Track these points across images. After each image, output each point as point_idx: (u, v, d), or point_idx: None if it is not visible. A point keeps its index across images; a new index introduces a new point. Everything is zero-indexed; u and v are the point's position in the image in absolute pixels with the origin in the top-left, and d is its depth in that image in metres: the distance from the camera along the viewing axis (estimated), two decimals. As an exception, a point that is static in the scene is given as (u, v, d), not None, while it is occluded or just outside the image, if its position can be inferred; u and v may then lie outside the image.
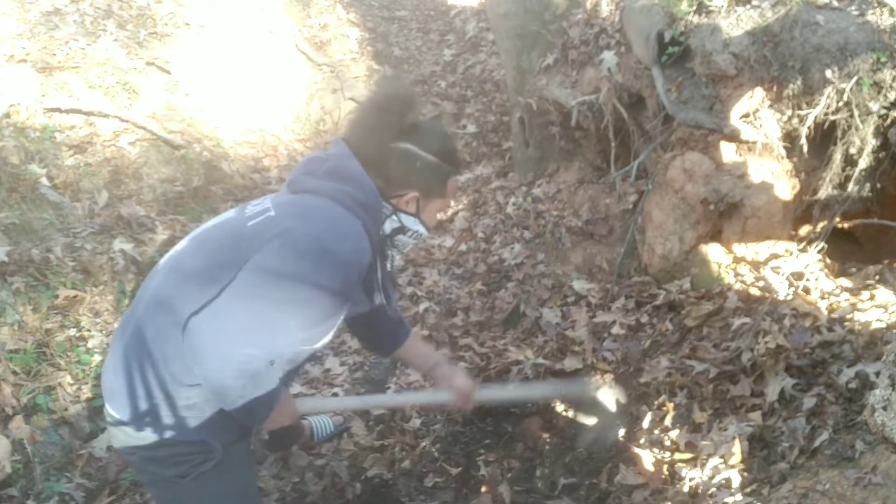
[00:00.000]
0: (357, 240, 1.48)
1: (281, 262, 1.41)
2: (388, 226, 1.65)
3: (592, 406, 2.18)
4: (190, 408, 1.48)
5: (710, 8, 2.91)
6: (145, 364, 1.46)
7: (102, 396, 1.56)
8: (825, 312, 2.46)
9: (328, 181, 1.53)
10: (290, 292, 1.41)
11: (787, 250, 2.91)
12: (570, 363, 2.93)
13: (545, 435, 2.66)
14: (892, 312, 2.36)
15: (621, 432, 2.31)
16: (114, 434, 1.56)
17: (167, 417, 1.48)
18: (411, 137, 1.58)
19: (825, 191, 2.77)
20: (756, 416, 2.23)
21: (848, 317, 2.42)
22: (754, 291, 2.78)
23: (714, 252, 3.04)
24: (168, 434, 1.48)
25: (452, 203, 4.16)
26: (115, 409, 1.51)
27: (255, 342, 1.36)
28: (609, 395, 2.17)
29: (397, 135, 1.57)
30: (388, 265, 1.74)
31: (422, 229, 1.68)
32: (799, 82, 2.62)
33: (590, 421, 2.17)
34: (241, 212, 1.57)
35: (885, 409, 1.79)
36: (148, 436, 1.48)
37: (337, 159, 1.57)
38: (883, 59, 2.43)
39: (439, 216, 1.73)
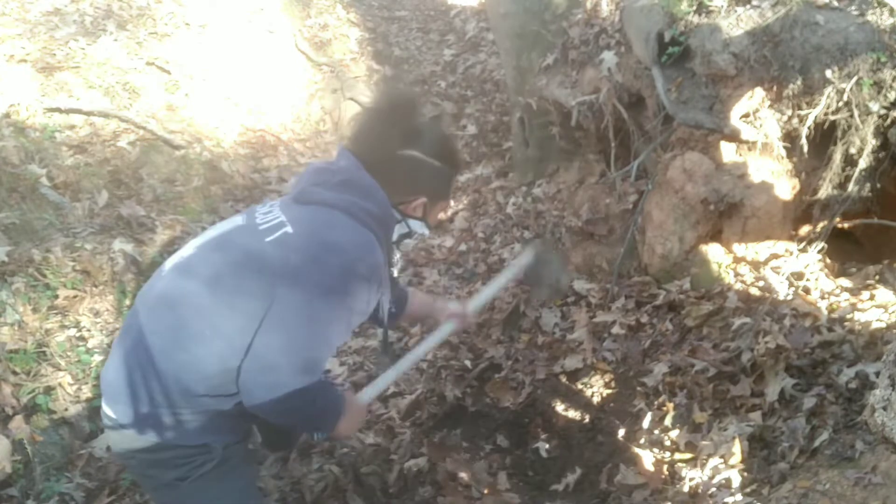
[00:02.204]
0: (373, 255, 1.51)
1: (311, 296, 1.43)
2: (397, 232, 1.67)
3: (539, 264, 2.15)
4: (194, 413, 1.48)
5: (710, 8, 2.91)
6: (148, 369, 1.45)
7: (102, 399, 1.55)
8: (825, 312, 2.46)
9: (342, 193, 1.52)
10: (325, 322, 1.45)
11: (787, 250, 2.91)
12: (571, 363, 2.93)
13: (545, 435, 2.67)
14: (892, 312, 2.36)
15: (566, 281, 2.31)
16: (112, 438, 1.56)
17: (169, 421, 1.47)
18: (416, 144, 1.58)
19: (825, 191, 2.77)
20: (756, 416, 2.23)
21: (848, 317, 2.42)
22: (754, 291, 2.78)
23: (714, 252, 3.04)
24: (170, 437, 1.48)
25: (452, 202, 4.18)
26: (115, 412, 1.50)
27: (301, 371, 1.42)
28: (540, 248, 2.17)
29: (402, 140, 1.57)
30: (393, 268, 1.76)
31: (426, 231, 1.72)
32: (799, 82, 2.62)
33: (540, 276, 2.16)
34: (252, 219, 1.54)
35: (885, 409, 1.79)
36: (149, 439, 1.48)
37: (348, 171, 1.56)
38: (883, 59, 2.43)
39: (441, 215, 1.80)
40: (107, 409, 1.52)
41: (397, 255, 1.80)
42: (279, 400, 1.40)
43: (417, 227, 1.69)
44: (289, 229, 1.48)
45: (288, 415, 1.50)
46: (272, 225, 1.50)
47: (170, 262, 1.57)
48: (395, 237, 1.67)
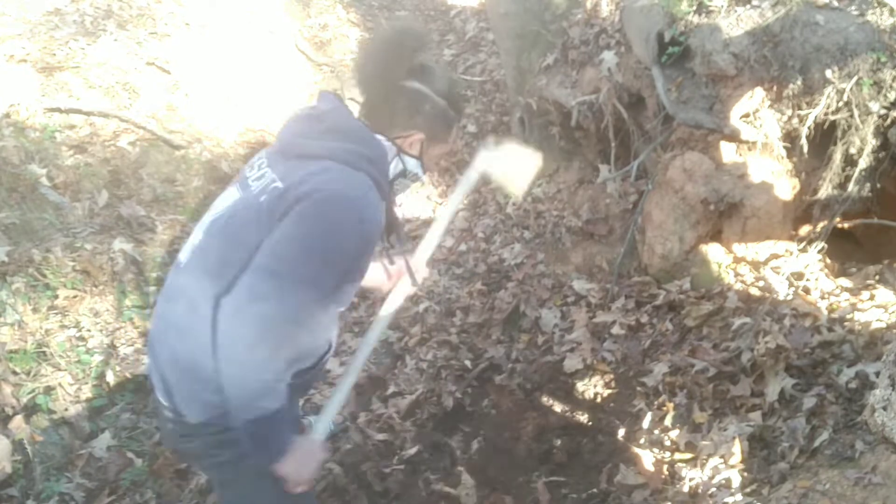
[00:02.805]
0: (368, 199, 1.43)
1: (298, 228, 1.37)
2: (392, 169, 1.58)
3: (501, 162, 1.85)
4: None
5: (710, 8, 2.91)
6: (197, 356, 1.41)
7: (156, 393, 1.53)
8: (825, 312, 2.46)
9: (329, 141, 1.46)
10: (313, 257, 1.36)
11: (787, 250, 2.91)
12: (571, 363, 2.93)
13: (543, 435, 2.67)
14: (892, 312, 2.36)
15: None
16: (170, 428, 1.53)
17: (228, 402, 1.42)
18: (422, 77, 1.52)
19: (825, 191, 2.77)
20: (756, 416, 2.23)
21: (848, 317, 2.42)
22: (754, 291, 2.78)
23: (714, 252, 3.04)
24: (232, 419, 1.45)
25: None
26: (171, 402, 1.48)
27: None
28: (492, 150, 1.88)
29: (407, 73, 1.51)
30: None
31: (420, 172, 1.64)
32: (799, 82, 2.62)
33: (511, 171, 1.84)
34: (246, 188, 1.50)
35: (885, 409, 1.79)
36: (213, 421, 1.45)
37: (333, 116, 1.50)
38: (883, 59, 2.42)
39: (440, 163, 1.72)
40: (162, 399, 1.51)
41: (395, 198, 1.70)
42: (258, 353, 1.32)
43: (412, 165, 1.60)
44: (279, 184, 1.42)
45: (265, 376, 1.36)
46: (263, 184, 1.46)
47: (185, 253, 1.55)
48: (391, 175, 1.58)
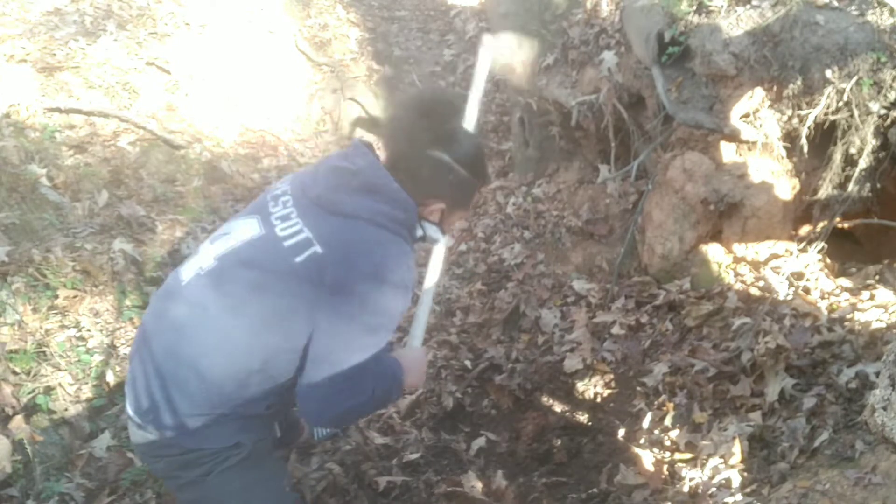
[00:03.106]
0: (408, 263, 1.49)
1: (358, 312, 1.43)
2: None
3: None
4: (228, 418, 1.50)
5: (710, 8, 2.91)
6: (183, 380, 1.46)
7: (129, 410, 1.55)
8: (825, 312, 2.46)
9: (366, 199, 1.45)
10: (370, 348, 1.46)
11: (787, 250, 2.91)
12: (571, 363, 2.93)
13: (543, 435, 2.67)
14: (892, 312, 2.36)
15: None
16: (140, 442, 1.55)
17: (205, 429, 1.48)
18: (448, 147, 1.49)
19: (825, 191, 2.77)
20: (756, 416, 2.23)
21: (848, 317, 2.42)
22: (754, 291, 2.78)
23: (714, 252, 3.04)
24: (205, 443, 1.49)
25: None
26: (143, 419, 1.50)
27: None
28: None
29: (434, 142, 1.49)
30: None
31: (440, 237, 1.64)
32: (799, 82, 2.62)
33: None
34: (270, 228, 1.47)
35: (885, 409, 1.79)
36: (184, 444, 1.49)
37: (369, 172, 1.48)
38: (883, 59, 2.43)
39: (457, 223, 1.76)
40: (133, 415, 1.52)
41: None
42: (341, 416, 1.52)
43: (432, 231, 1.61)
44: (318, 249, 1.41)
45: (356, 414, 1.68)
46: (297, 240, 1.43)
47: (188, 274, 1.52)
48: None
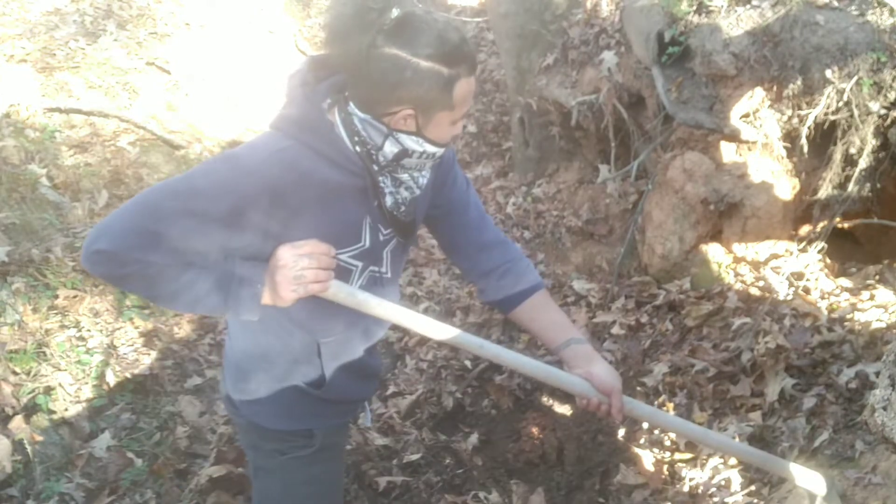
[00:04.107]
0: (269, 149, 1.25)
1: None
2: (389, 148, 1.31)
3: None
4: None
5: (710, 8, 2.91)
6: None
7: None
8: (825, 312, 2.46)
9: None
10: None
11: (787, 250, 2.91)
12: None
13: (545, 436, 2.67)
14: (892, 312, 2.36)
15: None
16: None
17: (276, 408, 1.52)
18: (398, 40, 1.20)
19: (825, 191, 2.77)
20: (756, 416, 2.23)
21: (848, 317, 2.41)
22: (754, 291, 2.78)
23: (714, 252, 3.04)
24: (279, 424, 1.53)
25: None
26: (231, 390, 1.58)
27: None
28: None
29: (381, 37, 1.19)
30: (415, 189, 1.42)
31: (430, 148, 1.33)
32: (799, 82, 2.62)
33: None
34: None
35: (885, 409, 1.79)
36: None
37: (287, 79, 1.35)
38: (883, 59, 2.43)
39: (455, 130, 1.35)
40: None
41: (422, 179, 1.42)
42: (105, 240, 1.14)
43: (412, 143, 1.30)
44: None
45: (127, 256, 1.16)
46: None
47: None
48: (389, 155, 1.32)
